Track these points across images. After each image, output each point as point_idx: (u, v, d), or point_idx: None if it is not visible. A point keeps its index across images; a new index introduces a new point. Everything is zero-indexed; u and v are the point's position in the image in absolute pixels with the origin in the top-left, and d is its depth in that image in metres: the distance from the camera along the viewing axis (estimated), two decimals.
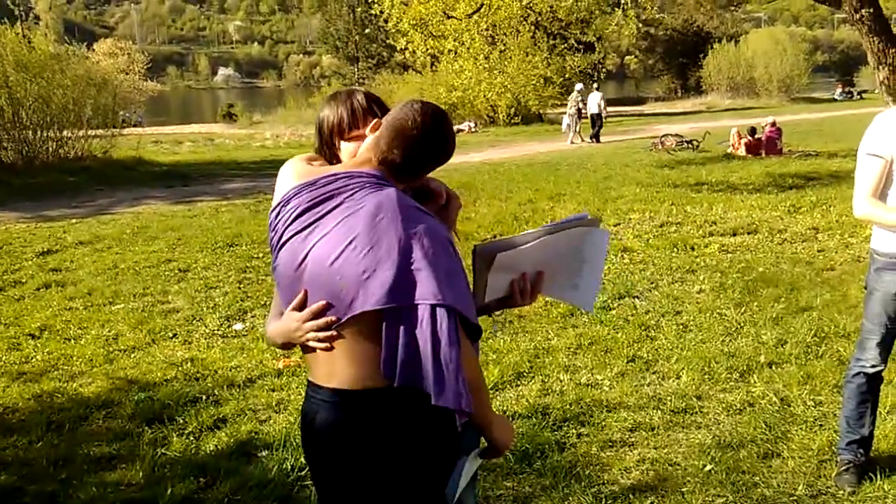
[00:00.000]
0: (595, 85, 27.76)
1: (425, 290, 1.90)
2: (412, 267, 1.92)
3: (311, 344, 2.03)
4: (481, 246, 2.19)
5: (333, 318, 1.98)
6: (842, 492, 3.61)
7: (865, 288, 3.72)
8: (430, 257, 1.93)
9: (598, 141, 24.45)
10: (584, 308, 2.50)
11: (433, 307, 1.89)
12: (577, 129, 24.50)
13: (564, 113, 26.52)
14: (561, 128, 27.06)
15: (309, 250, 2.01)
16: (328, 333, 2.00)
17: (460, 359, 1.91)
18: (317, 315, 2.01)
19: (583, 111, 24.94)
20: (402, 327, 1.91)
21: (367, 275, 1.93)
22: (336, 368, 2.01)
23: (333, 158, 2.27)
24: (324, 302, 1.99)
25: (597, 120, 25.07)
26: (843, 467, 3.70)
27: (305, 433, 2.15)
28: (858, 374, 3.68)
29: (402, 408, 1.97)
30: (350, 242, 1.96)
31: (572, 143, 23.89)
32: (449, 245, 2.00)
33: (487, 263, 2.16)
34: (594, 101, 25.02)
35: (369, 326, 1.94)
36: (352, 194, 2.03)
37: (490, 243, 2.22)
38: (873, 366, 3.64)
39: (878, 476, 3.66)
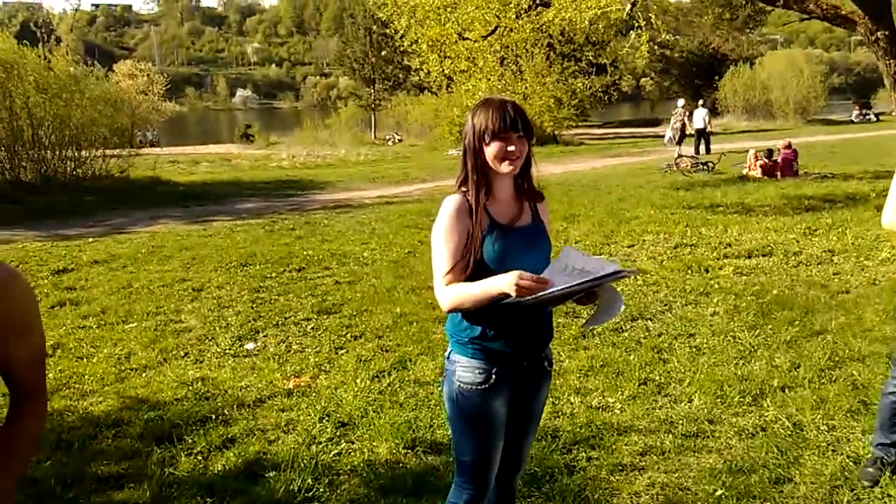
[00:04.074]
0: (700, 101, 28.62)
1: None
2: None
3: None
4: (527, 303, 2.47)
5: None
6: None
7: None
8: None
9: (706, 153, 24.74)
10: (586, 324, 2.82)
11: None
12: (680, 143, 24.68)
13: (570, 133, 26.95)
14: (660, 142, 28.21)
15: None
16: None
17: None
18: None
19: (687, 126, 25.42)
20: None
21: None
22: None
23: (476, 157, 2.63)
24: None
25: (701, 134, 25.74)
26: (871, 461, 3.88)
27: None
28: (893, 392, 3.81)
29: None
30: None
31: (679, 155, 23.70)
32: None
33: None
34: (699, 117, 25.75)
35: None
36: None
37: (536, 296, 2.45)
38: None
39: None
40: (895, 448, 3.89)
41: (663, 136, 28.83)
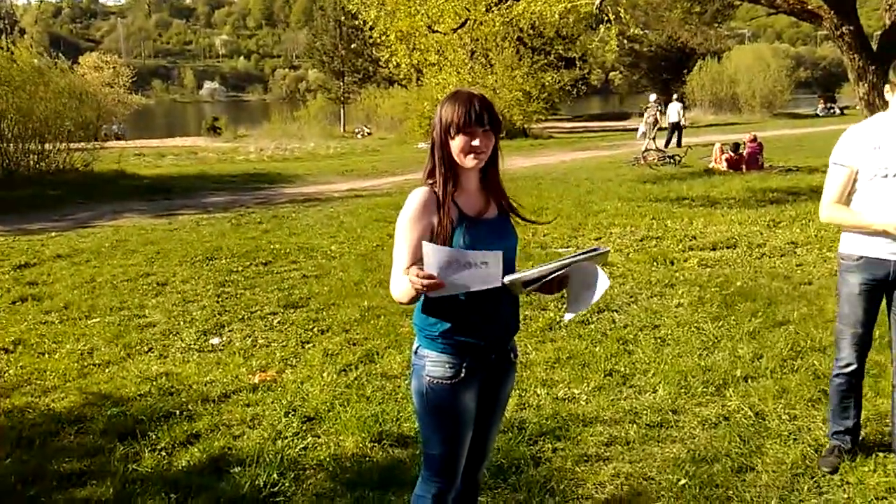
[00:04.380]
0: (675, 95, 28.92)
1: None
2: None
3: None
4: (510, 281, 2.47)
5: None
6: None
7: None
8: None
9: (677, 146, 24.72)
10: (566, 314, 2.76)
11: None
12: (654, 137, 24.51)
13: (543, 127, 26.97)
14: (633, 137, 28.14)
15: None
16: None
17: None
18: None
19: (659, 120, 25.45)
20: None
21: None
22: None
23: (443, 150, 2.63)
24: None
25: (675, 128, 25.82)
26: (829, 451, 3.98)
27: None
28: (838, 374, 3.94)
29: None
30: None
31: (646, 149, 22.76)
32: None
33: (519, 289, 2.57)
34: (674, 110, 25.79)
35: None
36: None
37: (517, 277, 2.49)
38: (848, 364, 3.90)
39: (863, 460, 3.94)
40: (850, 435, 3.98)
41: (633, 130, 28.98)
